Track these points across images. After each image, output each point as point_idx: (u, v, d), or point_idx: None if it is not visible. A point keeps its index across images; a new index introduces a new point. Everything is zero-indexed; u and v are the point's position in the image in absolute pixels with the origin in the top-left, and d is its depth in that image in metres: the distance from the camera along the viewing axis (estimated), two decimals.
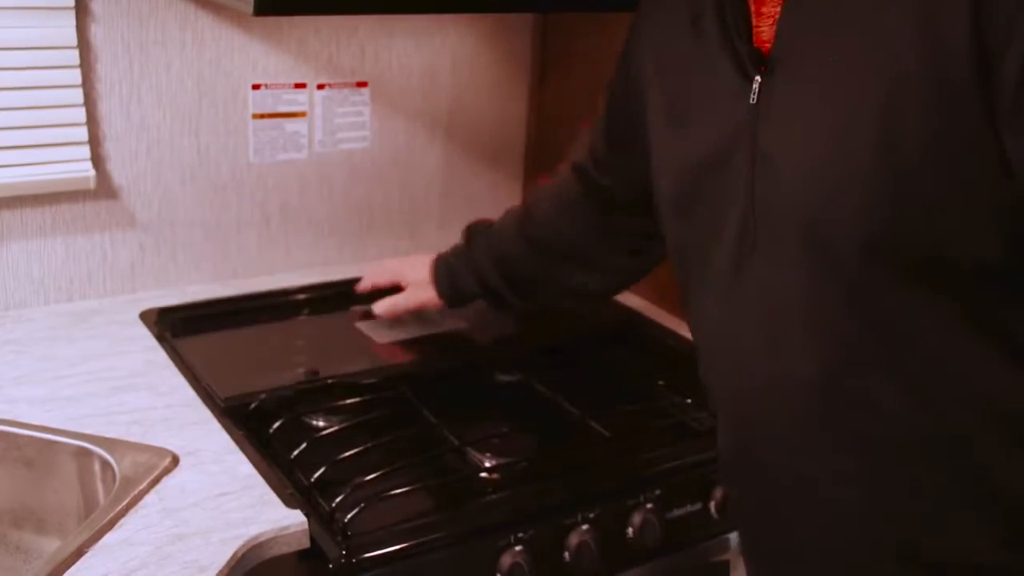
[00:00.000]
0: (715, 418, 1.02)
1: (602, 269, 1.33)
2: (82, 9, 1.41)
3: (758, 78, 0.85)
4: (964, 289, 0.78)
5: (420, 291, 1.45)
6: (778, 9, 0.84)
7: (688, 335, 1.52)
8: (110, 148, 1.49)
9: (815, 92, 0.81)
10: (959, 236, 0.76)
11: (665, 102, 0.98)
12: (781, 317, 0.86)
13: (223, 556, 0.97)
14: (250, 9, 1.11)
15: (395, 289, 1.49)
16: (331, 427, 1.26)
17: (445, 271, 1.42)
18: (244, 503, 1.05)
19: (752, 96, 0.85)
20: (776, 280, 0.85)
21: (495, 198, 1.85)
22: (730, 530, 1.28)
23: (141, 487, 1.05)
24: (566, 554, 1.13)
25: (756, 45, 0.86)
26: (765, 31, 0.86)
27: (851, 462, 0.85)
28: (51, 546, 1.14)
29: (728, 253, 0.90)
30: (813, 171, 0.80)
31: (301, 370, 1.39)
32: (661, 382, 1.46)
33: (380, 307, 1.48)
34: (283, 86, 1.60)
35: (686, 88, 0.95)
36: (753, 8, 0.87)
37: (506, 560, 1.09)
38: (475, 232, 1.41)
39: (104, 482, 1.11)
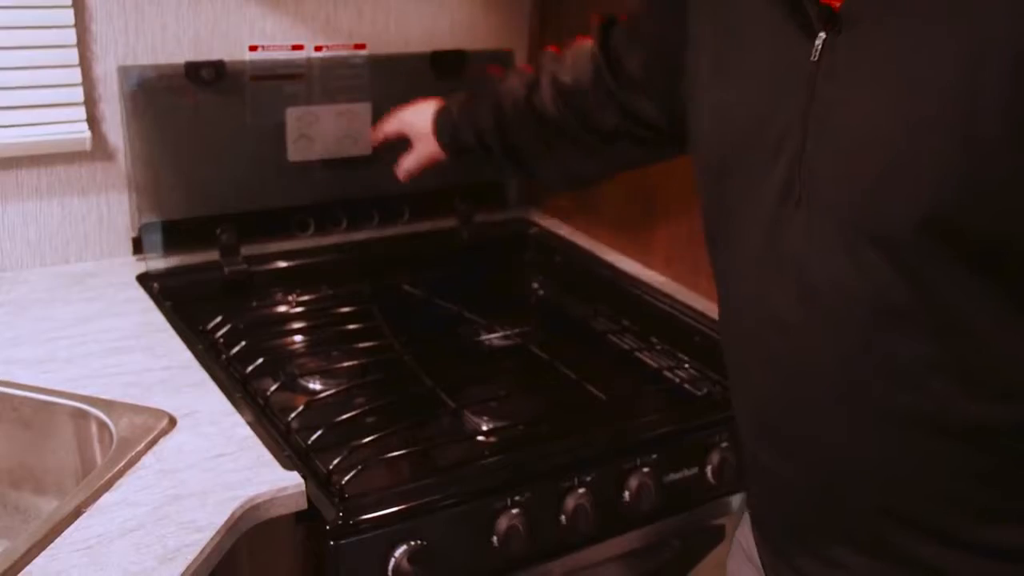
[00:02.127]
0: (726, 389, 1.00)
1: (602, 156, 1.30)
2: None
3: (822, 35, 0.81)
4: (1018, 273, 0.76)
5: (426, 144, 1.44)
6: None
7: (686, 300, 1.53)
8: (105, 109, 1.48)
9: (888, 55, 0.77)
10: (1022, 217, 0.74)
11: (715, 51, 0.94)
12: (818, 283, 0.83)
13: (220, 517, 0.97)
14: None
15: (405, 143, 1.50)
16: (328, 390, 1.26)
17: (447, 124, 1.40)
18: (241, 465, 1.05)
19: (814, 53, 0.81)
20: (816, 243, 0.83)
21: None
22: (727, 493, 1.29)
23: (138, 448, 1.05)
24: (563, 517, 1.14)
25: (823, 1, 0.82)
26: None
27: (871, 433, 0.84)
28: (49, 506, 1.15)
29: (767, 214, 0.87)
30: (876, 137, 0.77)
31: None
32: (659, 346, 1.47)
33: (403, 173, 1.50)
34: (280, 47, 1.58)
35: (739, 40, 0.91)
36: None
37: (503, 522, 1.09)
38: (481, 90, 1.38)
39: (101, 443, 1.11)
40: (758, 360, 0.93)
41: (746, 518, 1.09)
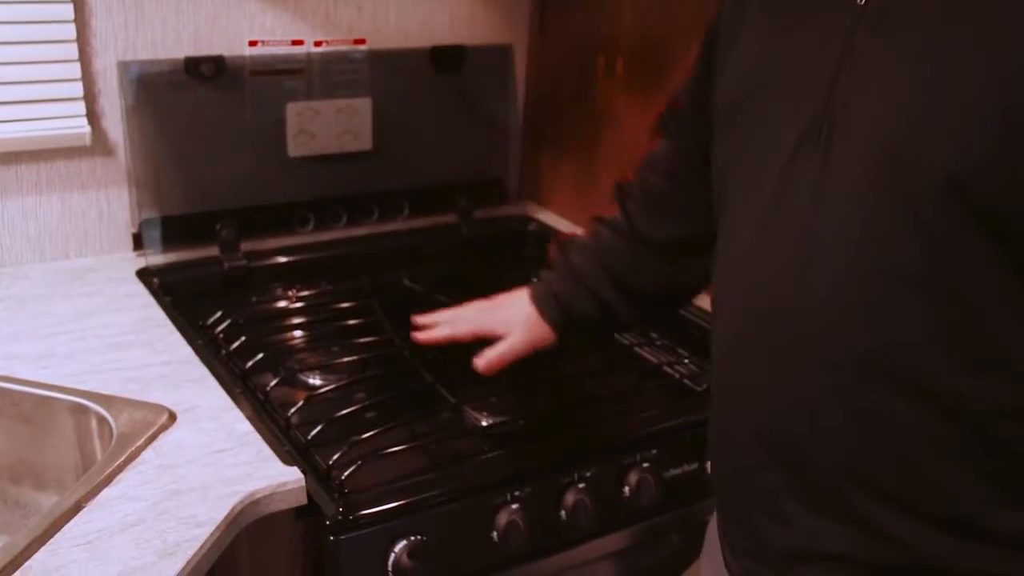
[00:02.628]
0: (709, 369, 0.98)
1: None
2: None
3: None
4: None
5: (526, 332, 1.20)
6: None
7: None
8: (105, 104, 1.48)
9: (943, 11, 0.76)
10: None
11: (763, 8, 0.93)
12: (824, 235, 0.82)
13: (220, 512, 0.97)
14: None
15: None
16: (328, 385, 1.26)
17: (551, 300, 1.20)
18: (241, 460, 1.05)
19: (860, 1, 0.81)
20: (830, 191, 0.81)
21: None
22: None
23: (138, 443, 1.05)
24: (562, 512, 1.14)
25: None
26: None
27: (850, 394, 0.83)
28: (49, 501, 1.15)
29: (784, 160, 0.85)
30: (915, 87, 0.77)
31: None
32: (658, 342, 1.47)
33: (485, 363, 1.19)
34: (280, 42, 1.58)
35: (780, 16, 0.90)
36: None
37: (502, 518, 1.09)
38: (570, 248, 1.24)
39: (101, 438, 1.12)
40: (743, 310, 0.91)
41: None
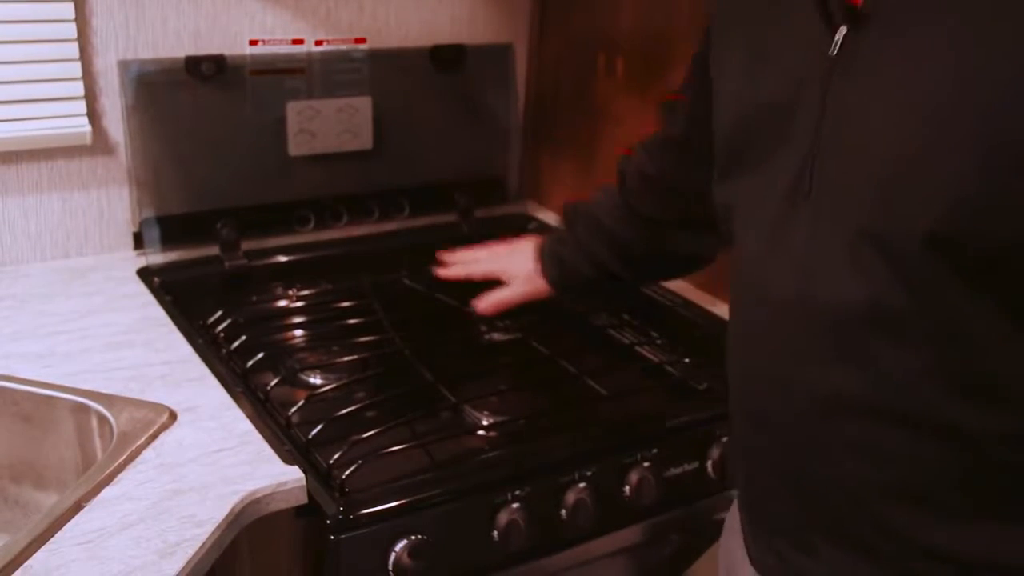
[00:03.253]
0: (726, 383, 1.00)
1: (711, 229, 1.15)
2: None
3: (844, 28, 0.80)
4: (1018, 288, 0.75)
5: (526, 283, 1.34)
6: None
7: (686, 294, 1.53)
8: (106, 103, 1.48)
9: (913, 55, 0.75)
10: None
11: (745, 47, 0.93)
12: (816, 282, 0.83)
13: (221, 511, 0.97)
14: None
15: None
16: (328, 384, 1.26)
17: (553, 258, 1.31)
18: (242, 459, 1.05)
19: (833, 47, 0.80)
20: (819, 241, 0.82)
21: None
22: (727, 488, 1.29)
23: (139, 443, 1.05)
24: (563, 512, 1.14)
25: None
26: None
27: (854, 431, 0.84)
28: (49, 500, 1.15)
29: (775, 208, 0.86)
30: (890, 138, 0.76)
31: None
32: (659, 340, 1.47)
33: (486, 304, 1.35)
34: (280, 42, 1.58)
35: (765, 38, 0.90)
36: None
37: (503, 517, 1.09)
38: (576, 214, 1.31)
39: (102, 438, 1.12)
40: (753, 344, 0.93)
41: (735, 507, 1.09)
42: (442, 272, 1.42)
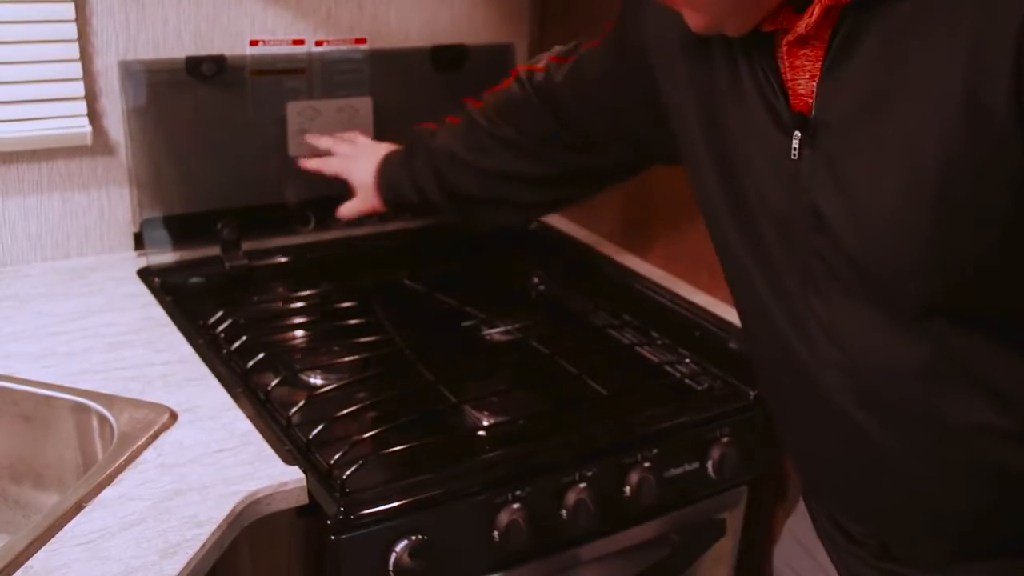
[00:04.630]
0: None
1: (546, 185, 1.29)
2: None
3: (798, 133, 0.82)
4: None
5: (365, 199, 1.45)
6: (817, 66, 0.80)
7: (687, 295, 1.53)
8: (106, 104, 1.48)
9: (865, 162, 0.78)
10: (1018, 294, 0.76)
11: (702, 108, 0.94)
12: (859, 361, 0.85)
13: (221, 511, 0.97)
14: None
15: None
16: (329, 385, 1.26)
17: (386, 180, 1.41)
18: (242, 459, 1.05)
19: (793, 152, 0.83)
20: (848, 324, 0.85)
21: None
22: (728, 488, 1.29)
23: (139, 443, 1.05)
24: (563, 512, 1.14)
25: (793, 99, 0.83)
26: (802, 84, 0.82)
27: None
28: (50, 501, 1.15)
29: (791, 293, 0.89)
30: (870, 236, 0.79)
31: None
32: (659, 341, 1.47)
33: (342, 211, 1.49)
34: (281, 42, 1.58)
35: (724, 119, 0.91)
36: (786, 61, 0.83)
37: (503, 518, 1.09)
38: (417, 142, 1.38)
39: (102, 438, 1.12)
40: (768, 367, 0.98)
41: (801, 510, 1.10)
42: (304, 163, 1.52)
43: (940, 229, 0.74)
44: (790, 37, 0.80)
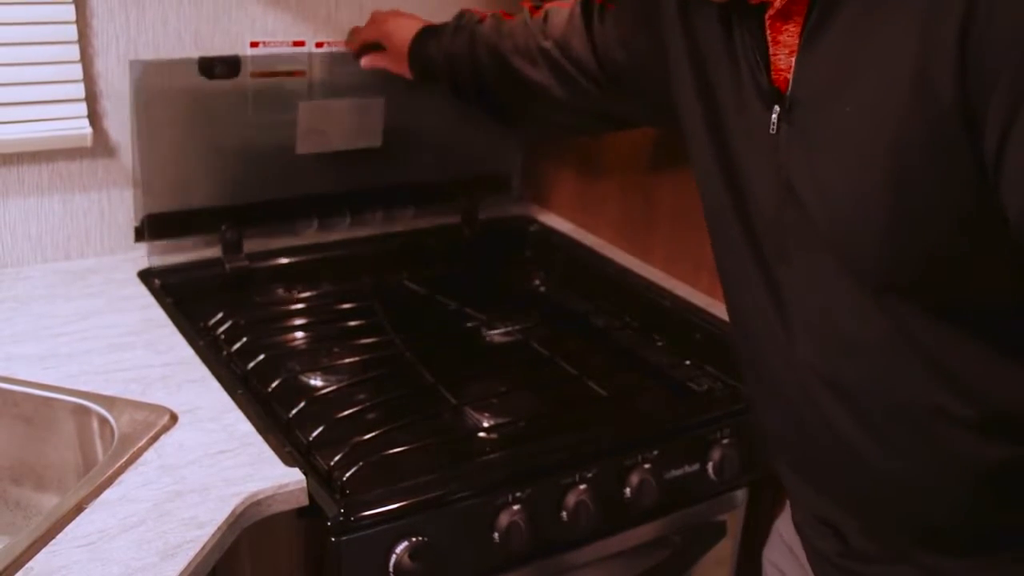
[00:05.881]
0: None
1: (565, 111, 1.32)
2: None
3: (777, 108, 0.83)
4: (994, 325, 0.78)
5: (397, 60, 1.47)
6: (795, 41, 0.81)
7: (687, 296, 1.53)
8: (107, 105, 1.48)
9: (830, 139, 0.79)
10: (976, 282, 0.76)
11: (698, 80, 0.95)
12: (845, 335, 0.85)
13: (222, 513, 0.97)
14: None
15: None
16: (329, 386, 1.26)
17: (422, 47, 1.42)
18: (243, 461, 1.05)
19: (772, 127, 0.84)
20: (811, 290, 0.86)
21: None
22: (728, 490, 1.29)
23: (140, 444, 1.05)
24: (564, 513, 1.14)
25: (775, 73, 0.84)
26: (782, 59, 0.83)
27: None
28: (50, 502, 1.15)
29: (768, 263, 0.90)
30: (834, 213, 0.80)
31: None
32: (660, 342, 1.47)
33: (364, 62, 1.53)
34: (281, 44, 1.58)
35: (716, 89, 0.93)
36: (770, 35, 0.84)
37: (504, 519, 1.09)
38: (464, 24, 1.39)
39: (103, 439, 1.12)
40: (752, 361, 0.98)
41: (788, 508, 1.10)
42: (348, 45, 1.57)
43: (893, 214, 0.75)
44: (771, 12, 0.82)
